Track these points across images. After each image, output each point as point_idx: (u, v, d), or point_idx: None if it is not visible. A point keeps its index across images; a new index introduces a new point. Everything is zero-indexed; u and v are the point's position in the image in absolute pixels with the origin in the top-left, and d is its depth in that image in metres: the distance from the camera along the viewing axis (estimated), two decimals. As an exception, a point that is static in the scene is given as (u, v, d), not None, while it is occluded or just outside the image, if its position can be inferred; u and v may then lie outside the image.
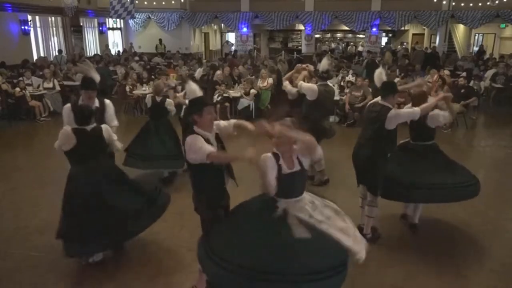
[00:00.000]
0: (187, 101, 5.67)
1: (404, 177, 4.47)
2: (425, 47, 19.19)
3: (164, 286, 3.89)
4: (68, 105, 4.45)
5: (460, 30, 21.63)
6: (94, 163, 3.93)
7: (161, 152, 6.08)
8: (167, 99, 6.29)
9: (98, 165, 3.97)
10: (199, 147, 3.08)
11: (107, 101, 4.84)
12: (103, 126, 4.11)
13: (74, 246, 3.86)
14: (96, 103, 4.62)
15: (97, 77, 4.70)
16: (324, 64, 6.19)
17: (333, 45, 24.55)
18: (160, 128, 6.24)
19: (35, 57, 14.55)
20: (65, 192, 3.93)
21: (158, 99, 6.24)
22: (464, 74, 12.02)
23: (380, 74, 4.57)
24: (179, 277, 3.99)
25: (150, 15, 19.96)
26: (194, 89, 3.35)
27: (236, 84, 11.59)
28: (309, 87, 5.97)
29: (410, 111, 4.36)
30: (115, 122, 4.80)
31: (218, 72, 11.46)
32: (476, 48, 21.49)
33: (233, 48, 21.00)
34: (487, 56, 18.08)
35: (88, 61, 6.00)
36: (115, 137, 4.25)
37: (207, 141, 3.19)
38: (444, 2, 17.98)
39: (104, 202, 3.83)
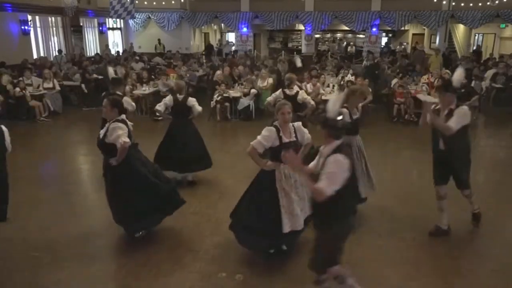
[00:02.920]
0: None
1: None
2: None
3: (164, 286, 3.88)
4: None
5: (460, 30, 21.62)
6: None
7: (191, 155, 5.93)
8: (189, 97, 5.97)
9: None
10: None
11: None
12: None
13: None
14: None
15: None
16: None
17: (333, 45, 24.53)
18: (185, 129, 5.98)
19: (35, 57, 14.52)
20: None
21: (180, 97, 5.91)
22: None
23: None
24: (179, 277, 3.99)
25: (150, 15, 19.94)
26: None
27: (236, 84, 11.59)
28: None
29: None
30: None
31: (218, 72, 11.48)
32: (473, 48, 21.39)
33: (233, 48, 20.96)
34: (486, 56, 17.99)
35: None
36: None
37: None
38: (444, 2, 17.96)
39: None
